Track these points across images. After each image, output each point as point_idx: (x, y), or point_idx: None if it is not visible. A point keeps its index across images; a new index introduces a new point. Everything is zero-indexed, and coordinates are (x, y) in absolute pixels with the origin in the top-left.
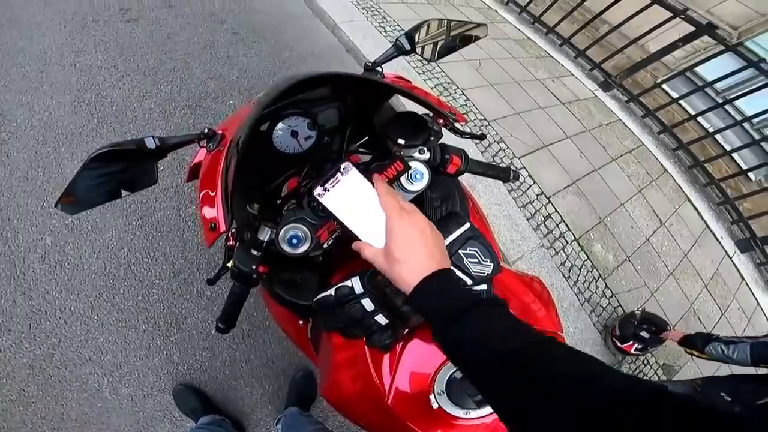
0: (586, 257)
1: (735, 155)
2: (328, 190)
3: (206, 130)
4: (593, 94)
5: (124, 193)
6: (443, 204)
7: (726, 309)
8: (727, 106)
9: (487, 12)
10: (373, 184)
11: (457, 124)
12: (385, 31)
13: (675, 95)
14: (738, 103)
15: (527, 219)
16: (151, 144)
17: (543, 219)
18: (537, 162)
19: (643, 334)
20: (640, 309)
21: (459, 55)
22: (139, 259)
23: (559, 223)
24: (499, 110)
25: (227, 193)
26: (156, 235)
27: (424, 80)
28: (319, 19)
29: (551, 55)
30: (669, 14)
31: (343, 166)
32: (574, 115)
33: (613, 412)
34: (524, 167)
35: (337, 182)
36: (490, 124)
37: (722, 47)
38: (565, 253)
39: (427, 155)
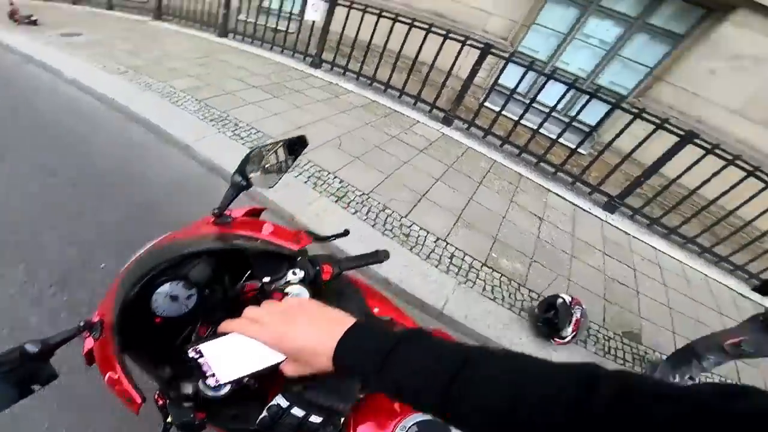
0: (499, 275)
1: (561, 140)
2: (203, 356)
3: (82, 323)
4: (440, 132)
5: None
6: (337, 304)
7: (633, 265)
8: (535, 104)
9: (330, 87)
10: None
11: (318, 233)
12: (241, 138)
13: (496, 109)
14: (540, 98)
15: (436, 266)
16: (32, 349)
17: (449, 260)
18: (422, 213)
19: (554, 318)
20: (537, 302)
21: (320, 140)
22: None
23: (464, 257)
24: (371, 179)
25: (128, 373)
26: (88, 412)
27: (295, 176)
28: (170, 144)
29: (395, 110)
30: (458, 44)
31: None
32: (433, 157)
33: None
34: (414, 223)
35: (205, 353)
36: (369, 196)
37: (504, 59)
38: (481, 279)
39: (300, 274)
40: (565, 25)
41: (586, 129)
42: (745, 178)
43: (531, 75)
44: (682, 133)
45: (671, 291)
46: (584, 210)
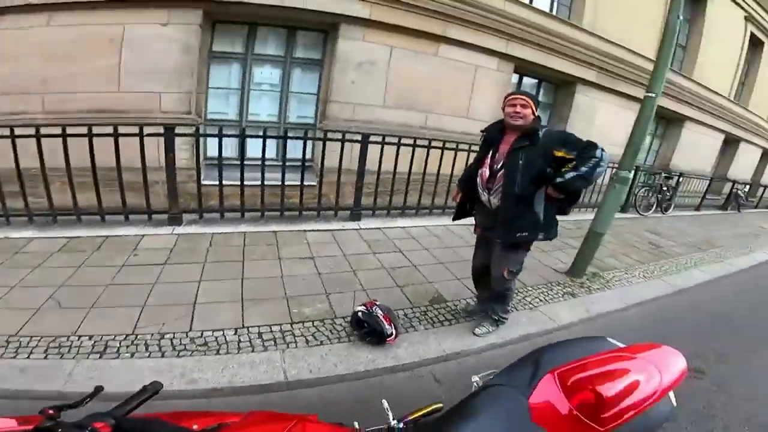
0: (311, 322)
1: (289, 182)
2: None
3: None
4: (175, 235)
5: None
6: None
7: (398, 248)
8: (249, 162)
9: None
10: None
11: None
12: None
13: (216, 183)
14: (251, 154)
15: (252, 351)
16: None
17: (260, 339)
18: (204, 318)
19: (370, 328)
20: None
21: (25, 315)
22: None
23: (270, 328)
24: (126, 319)
25: None
26: None
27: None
28: None
29: (107, 235)
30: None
31: None
32: (182, 263)
33: None
34: (203, 330)
35: None
36: (136, 335)
37: (192, 135)
38: (299, 336)
39: None
40: (236, 81)
41: (304, 164)
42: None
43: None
44: (358, 138)
45: (433, 250)
46: (340, 230)
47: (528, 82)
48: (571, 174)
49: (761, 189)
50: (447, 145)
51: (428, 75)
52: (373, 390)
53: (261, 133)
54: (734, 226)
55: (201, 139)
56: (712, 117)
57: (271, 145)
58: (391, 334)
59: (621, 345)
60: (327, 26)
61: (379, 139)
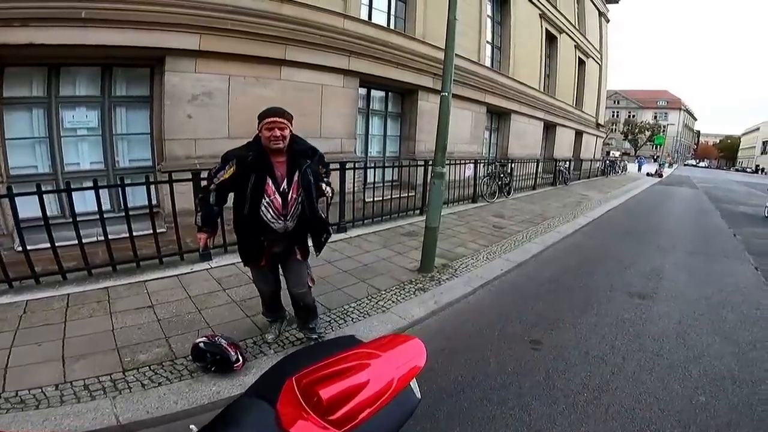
0: (147, 367)
1: (139, 232)
2: None
3: None
4: None
5: None
6: None
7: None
8: (82, 217)
9: None
10: None
11: None
12: None
13: (44, 246)
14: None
15: (78, 402)
16: None
17: (86, 390)
18: (18, 379)
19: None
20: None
21: None
22: None
23: (99, 378)
24: None
25: None
26: None
27: None
28: None
29: None
30: None
31: None
32: None
33: None
34: (16, 390)
35: None
36: None
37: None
38: (135, 382)
39: None
40: (42, 129)
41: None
42: None
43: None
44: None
45: None
46: (188, 273)
47: (376, 94)
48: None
49: (581, 163)
50: None
51: (274, 99)
52: None
53: (88, 185)
54: (562, 197)
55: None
56: (531, 108)
57: (94, 196)
58: (238, 360)
59: (366, 342)
60: (150, 61)
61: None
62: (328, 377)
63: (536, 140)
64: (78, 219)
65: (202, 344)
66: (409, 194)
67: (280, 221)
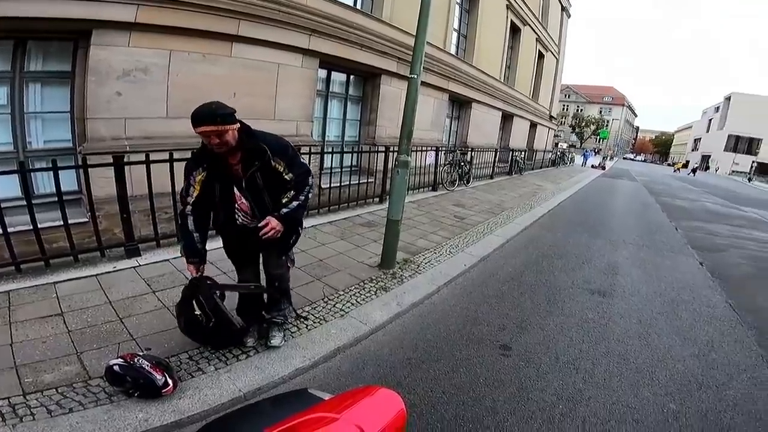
0: (54, 389)
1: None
2: None
3: None
4: None
5: None
6: None
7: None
8: None
9: None
10: None
11: None
12: None
13: None
14: None
15: None
16: None
17: None
18: None
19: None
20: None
21: None
22: None
23: None
24: None
25: None
26: None
27: None
28: None
29: None
30: None
31: None
32: None
33: None
34: None
35: None
36: None
37: None
38: (37, 407)
39: None
40: None
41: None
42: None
43: None
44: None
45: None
46: (110, 272)
47: (337, 77)
48: (294, 204)
49: (534, 153)
50: None
51: (223, 78)
52: None
53: None
54: (518, 187)
55: None
56: (491, 98)
57: (6, 182)
58: (167, 384)
59: (325, 397)
60: (75, 34)
61: (158, 157)
62: None
63: (494, 130)
64: None
65: (116, 367)
66: (369, 181)
67: (254, 221)
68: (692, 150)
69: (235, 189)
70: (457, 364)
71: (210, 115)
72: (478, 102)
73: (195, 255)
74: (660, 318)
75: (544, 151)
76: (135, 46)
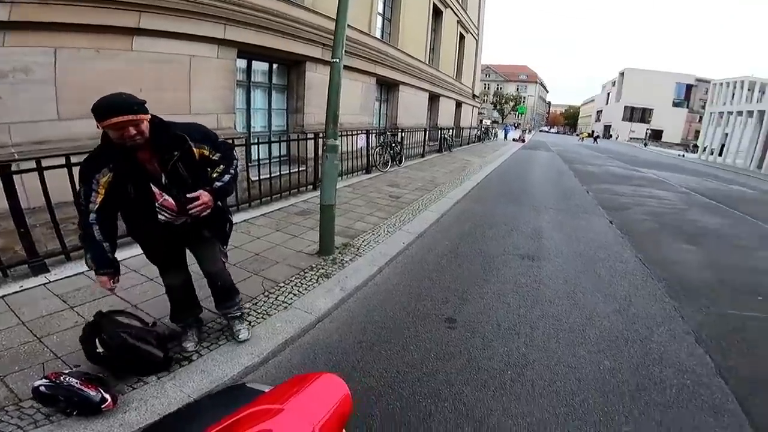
0: None
1: None
2: None
3: None
4: None
5: None
6: None
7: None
8: None
9: None
10: None
11: None
12: None
13: None
14: None
15: None
16: None
17: None
18: None
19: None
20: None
21: None
22: None
23: None
24: None
25: None
26: None
27: None
28: None
29: None
30: None
31: None
32: None
33: None
34: None
35: None
36: None
37: None
38: None
39: None
40: None
41: None
42: None
43: None
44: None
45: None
46: (16, 293)
47: (259, 66)
48: (226, 177)
49: (461, 131)
50: None
51: (124, 73)
52: None
53: None
54: (448, 163)
55: None
56: (417, 79)
57: None
58: (104, 400)
59: (265, 389)
60: None
61: (53, 162)
62: None
63: (422, 110)
64: None
65: (43, 388)
66: (300, 169)
67: (181, 217)
68: (596, 121)
69: (153, 186)
70: (407, 341)
71: (126, 104)
72: (406, 84)
73: (107, 266)
74: (582, 277)
75: (470, 128)
76: (10, 46)
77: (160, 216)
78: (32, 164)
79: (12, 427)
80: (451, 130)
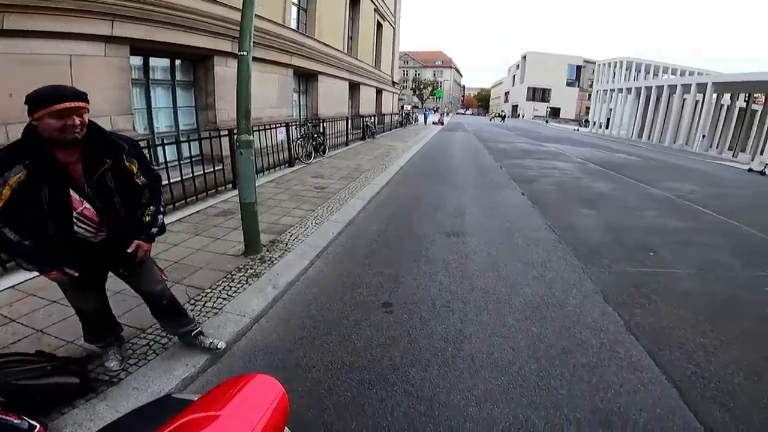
0: None
1: None
2: None
3: None
4: None
5: None
6: None
7: None
8: None
9: None
10: None
11: None
12: None
13: None
14: None
15: None
16: None
17: None
18: None
19: None
20: None
21: None
22: None
23: None
24: None
25: None
26: None
27: None
28: None
29: None
30: None
31: None
32: None
33: None
34: None
35: None
36: None
37: None
38: None
39: None
40: None
41: None
42: None
43: None
44: None
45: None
46: None
47: (158, 62)
48: (159, 218)
49: (383, 117)
50: None
51: None
52: None
53: None
54: (372, 150)
55: None
56: (336, 69)
57: None
58: (33, 427)
59: (194, 397)
60: None
61: None
62: None
63: (343, 99)
64: None
65: None
66: (216, 168)
67: (102, 232)
68: (504, 102)
69: (73, 193)
70: (348, 331)
71: (76, 91)
72: (325, 74)
73: (44, 262)
74: (503, 248)
75: (392, 114)
76: None
77: (76, 228)
78: None
79: None
80: (373, 118)
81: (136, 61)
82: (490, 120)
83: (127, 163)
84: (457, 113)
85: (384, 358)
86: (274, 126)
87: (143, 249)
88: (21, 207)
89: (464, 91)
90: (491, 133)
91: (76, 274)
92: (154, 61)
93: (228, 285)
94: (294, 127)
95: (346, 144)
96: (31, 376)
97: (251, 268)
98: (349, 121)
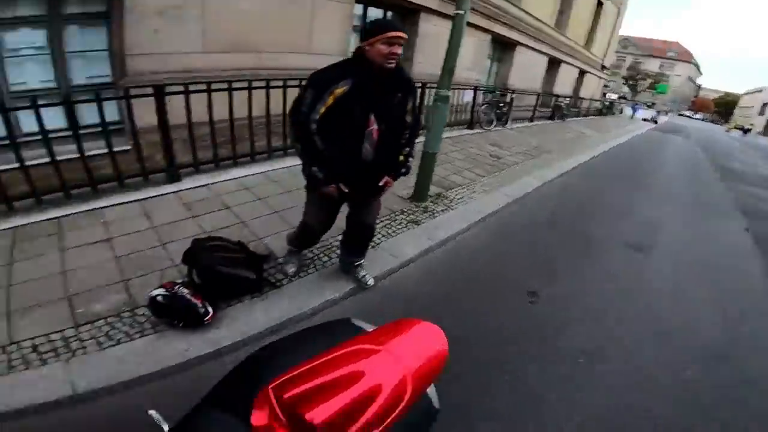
0: (104, 320)
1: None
2: None
3: None
4: None
5: None
6: None
7: (228, 204)
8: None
9: None
10: None
11: None
12: None
13: None
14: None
15: (26, 369)
16: None
17: (35, 353)
18: None
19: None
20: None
21: None
22: None
23: (49, 338)
24: None
25: None
26: None
27: None
28: None
29: None
30: None
31: None
32: None
33: None
34: None
35: None
36: None
37: None
38: (89, 338)
39: None
40: None
41: (111, 128)
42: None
43: None
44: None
45: (269, 199)
46: (153, 197)
47: (373, 12)
48: (409, 163)
49: (580, 101)
50: (289, 83)
51: (257, 14)
52: (194, 384)
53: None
54: (559, 132)
55: None
56: (538, 42)
57: (53, 115)
58: (207, 312)
59: (369, 328)
60: None
61: (197, 87)
62: (319, 389)
63: (538, 74)
64: (31, 139)
65: (160, 297)
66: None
67: (374, 154)
68: (758, 114)
69: (372, 117)
70: (485, 308)
71: (400, 23)
72: (524, 45)
73: (334, 177)
74: (694, 282)
75: (591, 100)
76: None
77: (364, 144)
78: (180, 88)
79: (121, 335)
80: (567, 99)
81: (357, 10)
82: (727, 131)
83: (410, 99)
84: (681, 114)
85: (513, 346)
86: (462, 87)
87: (390, 185)
88: (334, 118)
89: (698, 90)
90: (725, 147)
91: (346, 190)
92: (371, 11)
93: (390, 223)
94: (481, 92)
95: (531, 120)
96: (230, 265)
97: (413, 214)
98: (539, 98)
